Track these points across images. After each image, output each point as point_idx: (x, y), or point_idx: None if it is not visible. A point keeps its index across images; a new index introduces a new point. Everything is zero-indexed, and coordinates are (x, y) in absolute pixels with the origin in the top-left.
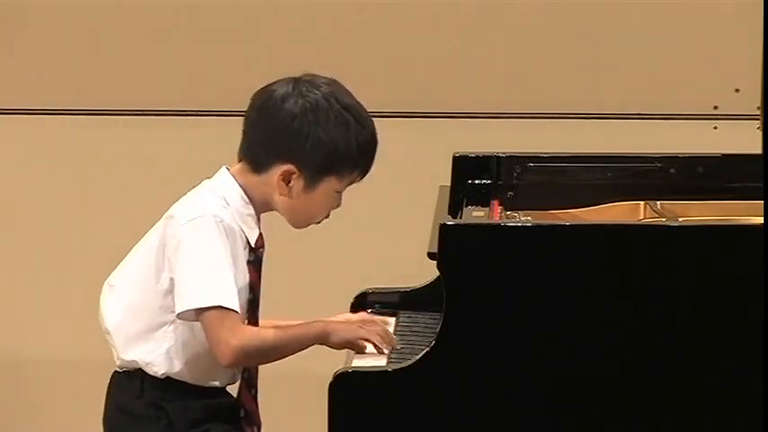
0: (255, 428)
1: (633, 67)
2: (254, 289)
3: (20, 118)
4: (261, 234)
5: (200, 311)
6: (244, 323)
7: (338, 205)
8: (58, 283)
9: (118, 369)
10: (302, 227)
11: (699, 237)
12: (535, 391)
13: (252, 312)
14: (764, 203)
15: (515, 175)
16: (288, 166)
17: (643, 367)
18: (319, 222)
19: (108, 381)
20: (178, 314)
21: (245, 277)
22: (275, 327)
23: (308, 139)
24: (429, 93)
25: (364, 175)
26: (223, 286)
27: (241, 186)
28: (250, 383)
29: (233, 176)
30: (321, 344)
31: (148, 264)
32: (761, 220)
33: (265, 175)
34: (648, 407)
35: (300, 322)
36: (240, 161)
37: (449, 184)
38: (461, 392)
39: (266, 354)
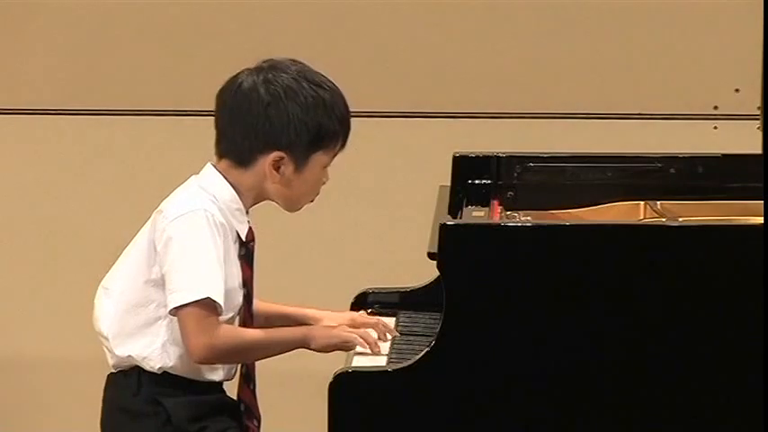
0: (255, 421)
1: (633, 67)
2: (247, 284)
3: (20, 118)
4: (251, 228)
5: (180, 308)
6: (233, 322)
7: (326, 180)
8: (57, 283)
9: (113, 370)
10: (297, 209)
11: (699, 237)
12: (535, 390)
13: (247, 307)
14: (764, 203)
15: (515, 175)
16: (275, 154)
17: (643, 367)
18: (312, 201)
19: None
20: (170, 311)
21: (238, 273)
22: (269, 312)
23: (289, 123)
24: (429, 93)
25: (345, 144)
26: (210, 279)
27: (229, 182)
28: (248, 377)
29: (220, 172)
30: (303, 347)
31: (140, 260)
32: (761, 220)
33: (252, 168)
34: (648, 407)
35: (293, 309)
36: (221, 158)
37: (449, 184)
38: (461, 392)
39: (240, 354)
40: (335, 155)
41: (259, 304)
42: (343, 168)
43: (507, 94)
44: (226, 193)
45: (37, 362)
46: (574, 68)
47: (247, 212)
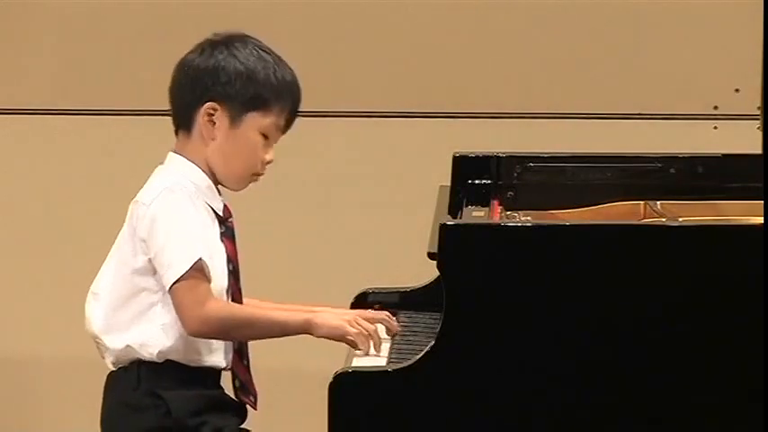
0: (252, 398)
1: (633, 67)
2: (232, 260)
3: (20, 118)
4: (225, 205)
5: (175, 281)
6: (223, 296)
7: (270, 158)
8: (57, 283)
9: (112, 368)
10: (241, 183)
11: (699, 237)
12: (535, 390)
13: (234, 282)
14: (764, 203)
15: (515, 175)
16: (208, 105)
17: (643, 367)
18: (256, 179)
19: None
20: (169, 290)
21: (221, 251)
22: (260, 307)
23: (224, 70)
24: (429, 93)
25: (288, 122)
26: (197, 243)
27: (190, 160)
28: (242, 354)
29: (180, 155)
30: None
31: (123, 254)
32: (761, 220)
33: (194, 129)
34: (648, 407)
35: (290, 307)
36: (177, 135)
37: (449, 184)
38: (461, 392)
39: (235, 328)
40: (277, 126)
41: (263, 306)
42: (343, 168)
43: (507, 94)
44: (193, 172)
45: (37, 362)
46: (574, 68)
47: (219, 191)
